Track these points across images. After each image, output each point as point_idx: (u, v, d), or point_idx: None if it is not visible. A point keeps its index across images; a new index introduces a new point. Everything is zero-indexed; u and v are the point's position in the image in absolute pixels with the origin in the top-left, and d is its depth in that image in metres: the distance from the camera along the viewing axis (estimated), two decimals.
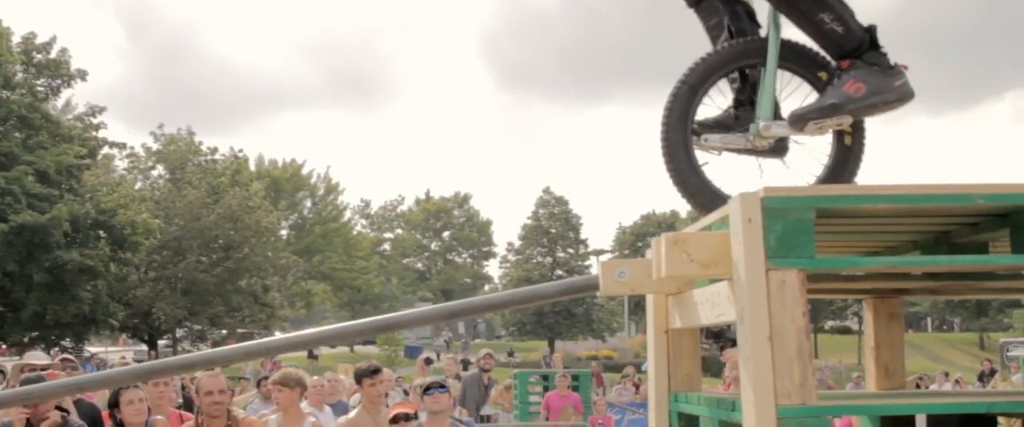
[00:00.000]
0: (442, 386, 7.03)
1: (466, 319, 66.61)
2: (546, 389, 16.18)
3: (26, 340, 34.71)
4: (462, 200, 79.22)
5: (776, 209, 2.71)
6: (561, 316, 60.51)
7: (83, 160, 36.64)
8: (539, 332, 62.55)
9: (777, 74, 3.65)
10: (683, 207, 60.09)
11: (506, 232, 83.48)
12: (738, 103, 3.82)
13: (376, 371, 7.66)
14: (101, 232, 36.54)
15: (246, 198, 46.04)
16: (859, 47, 3.56)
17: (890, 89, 3.52)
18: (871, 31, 3.58)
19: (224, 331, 45.06)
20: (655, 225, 67.71)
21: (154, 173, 48.66)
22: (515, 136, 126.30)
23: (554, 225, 67.18)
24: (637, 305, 50.53)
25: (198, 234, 43.64)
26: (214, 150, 49.31)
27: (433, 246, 78.52)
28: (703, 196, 3.59)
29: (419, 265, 78.02)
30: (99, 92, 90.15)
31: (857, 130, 3.75)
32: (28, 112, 34.87)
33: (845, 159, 3.74)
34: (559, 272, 63.30)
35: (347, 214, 68.92)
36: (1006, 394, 3.53)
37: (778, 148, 3.80)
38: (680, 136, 3.62)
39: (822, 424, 2.72)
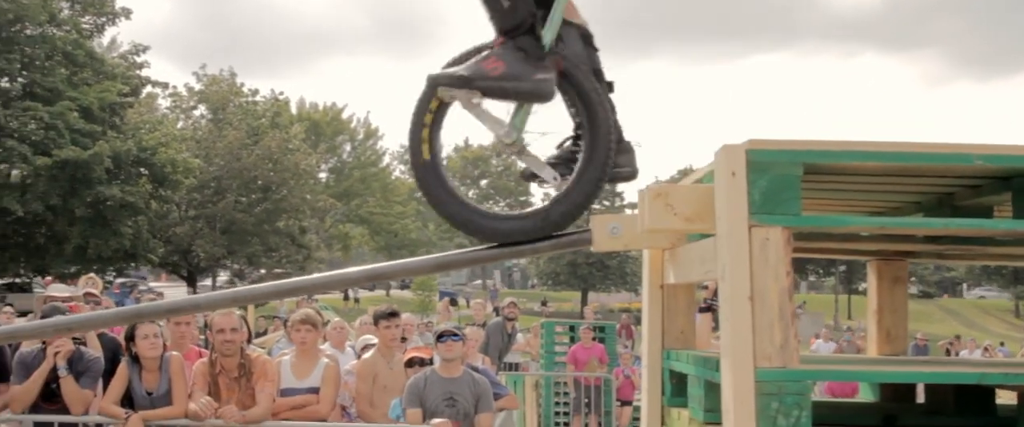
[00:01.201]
0: (455, 334, 7.06)
1: (485, 267, 66.58)
2: (573, 340, 16.14)
3: (68, 272, 35.40)
4: (500, 149, 78.94)
5: (761, 163, 2.58)
6: (594, 267, 60.43)
7: (126, 98, 36.99)
8: (573, 283, 62.54)
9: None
10: None
11: None
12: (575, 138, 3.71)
13: (393, 314, 7.67)
14: (142, 169, 37.02)
15: (285, 140, 46.26)
16: (517, 28, 3.34)
17: (528, 79, 3.32)
18: (535, 17, 3.33)
19: (262, 270, 45.61)
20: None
21: (196, 113, 49.02)
22: None
23: None
24: None
25: (237, 174, 44.03)
26: (255, 91, 49.56)
27: (470, 194, 78.50)
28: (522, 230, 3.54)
29: None
30: (144, 31, 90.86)
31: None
32: (73, 49, 35.21)
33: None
34: None
35: (386, 159, 69.03)
36: (1000, 365, 3.40)
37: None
38: (458, 207, 3.62)
39: (802, 389, 2.61)
